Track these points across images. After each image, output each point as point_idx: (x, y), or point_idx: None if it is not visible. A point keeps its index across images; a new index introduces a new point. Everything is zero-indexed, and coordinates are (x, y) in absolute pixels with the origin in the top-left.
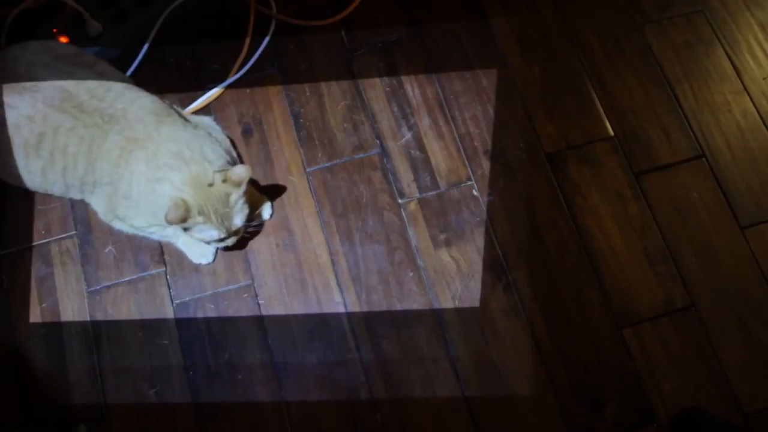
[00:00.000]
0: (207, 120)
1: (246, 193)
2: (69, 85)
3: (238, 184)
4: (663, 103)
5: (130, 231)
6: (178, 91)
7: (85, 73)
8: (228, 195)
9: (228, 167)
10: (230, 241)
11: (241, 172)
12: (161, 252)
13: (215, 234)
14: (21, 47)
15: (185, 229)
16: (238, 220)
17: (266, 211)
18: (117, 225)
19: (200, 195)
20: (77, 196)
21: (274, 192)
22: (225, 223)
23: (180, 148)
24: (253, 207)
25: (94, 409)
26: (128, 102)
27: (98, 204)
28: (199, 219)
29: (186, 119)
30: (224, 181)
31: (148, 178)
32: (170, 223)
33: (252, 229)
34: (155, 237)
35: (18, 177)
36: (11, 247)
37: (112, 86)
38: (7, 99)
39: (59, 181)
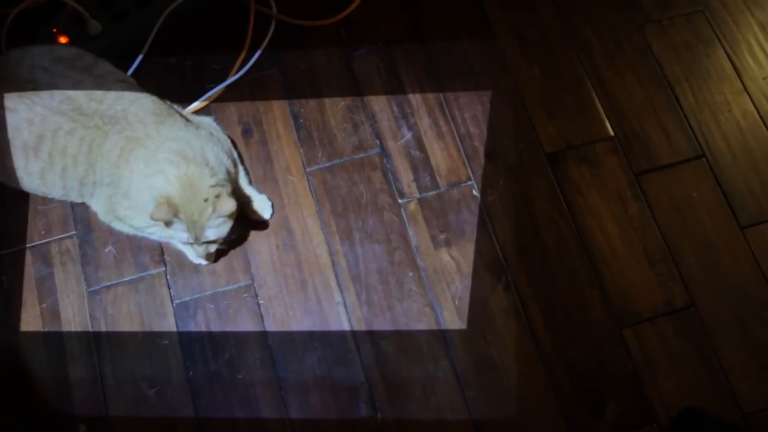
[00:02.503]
0: (208, 120)
1: (231, 216)
2: (67, 88)
3: (218, 213)
4: (663, 103)
5: (130, 231)
6: (179, 91)
7: (84, 76)
8: (205, 208)
9: (226, 184)
10: (200, 251)
11: (227, 206)
12: (161, 252)
13: (185, 237)
14: (23, 50)
15: (166, 224)
16: (211, 234)
17: (267, 211)
18: (117, 226)
19: (186, 196)
20: (76, 199)
21: (273, 192)
22: (195, 231)
23: (182, 147)
24: (239, 218)
25: (94, 409)
26: (128, 103)
27: (98, 205)
28: (181, 217)
29: (188, 119)
30: (216, 196)
31: (146, 174)
32: (154, 220)
33: (223, 247)
34: (155, 237)
35: (17, 179)
36: (11, 248)
37: (111, 88)
38: (7, 102)
39: (58, 183)
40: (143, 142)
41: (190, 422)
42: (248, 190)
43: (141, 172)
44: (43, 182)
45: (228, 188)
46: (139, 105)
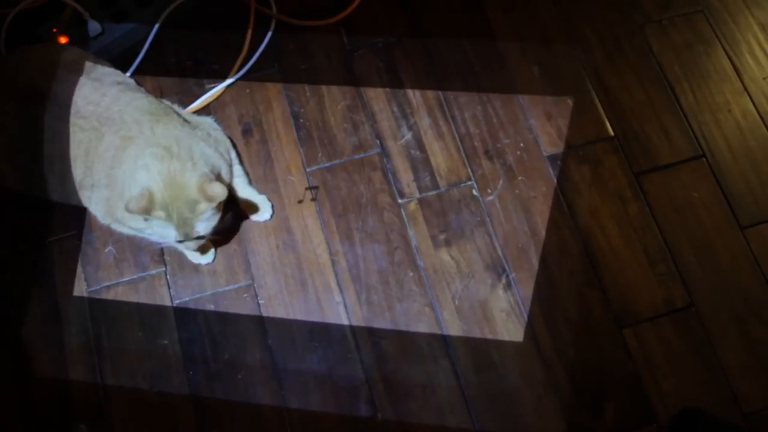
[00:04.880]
0: (208, 120)
1: (219, 207)
2: (64, 93)
3: (210, 199)
4: (663, 103)
5: (130, 233)
6: (179, 91)
7: (83, 79)
8: (197, 203)
9: (209, 175)
10: (191, 246)
11: (217, 190)
12: (161, 252)
13: (172, 234)
14: (21, 53)
15: (145, 220)
16: (201, 229)
17: (267, 212)
18: (117, 227)
19: (170, 192)
20: (76, 203)
21: (273, 192)
22: (185, 228)
23: (169, 143)
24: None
25: (94, 409)
26: (124, 104)
27: (96, 209)
28: (161, 214)
29: (186, 119)
30: (204, 183)
31: (133, 170)
32: (130, 212)
33: (217, 237)
34: (154, 238)
35: (18, 182)
36: (11, 248)
37: (107, 91)
38: (6, 107)
39: (59, 188)
40: (136, 140)
41: (189, 422)
42: (248, 190)
43: (130, 170)
44: (43, 186)
45: (212, 177)
46: (135, 106)
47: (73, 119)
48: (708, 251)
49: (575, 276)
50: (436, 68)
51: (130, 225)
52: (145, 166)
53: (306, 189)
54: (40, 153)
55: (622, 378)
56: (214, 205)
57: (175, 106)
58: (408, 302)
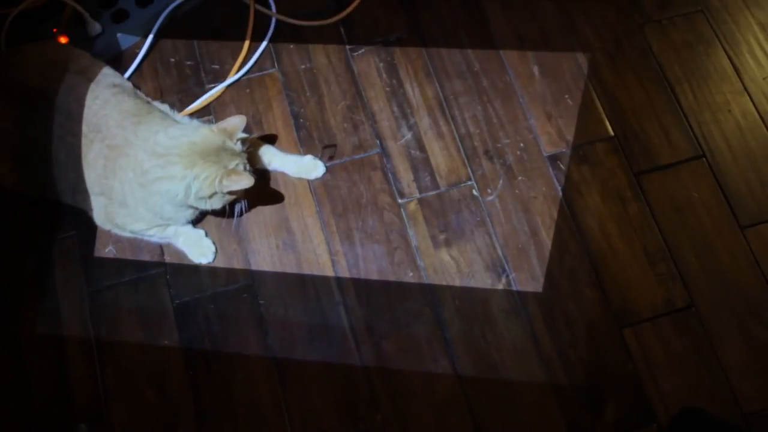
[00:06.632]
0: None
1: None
2: (60, 93)
3: (230, 135)
4: (663, 103)
5: (130, 235)
6: (179, 91)
7: (79, 79)
8: (224, 141)
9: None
10: (222, 200)
11: (235, 122)
12: (161, 252)
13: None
14: (18, 52)
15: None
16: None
17: (319, 168)
18: (116, 231)
19: (211, 156)
20: (74, 204)
21: (273, 191)
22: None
23: (152, 148)
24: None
25: (94, 409)
26: (111, 109)
27: (94, 214)
28: (237, 160)
29: (166, 115)
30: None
31: (141, 183)
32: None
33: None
34: (155, 239)
35: (17, 182)
36: (11, 248)
37: (100, 93)
38: (3, 106)
39: (55, 189)
40: (124, 149)
41: (190, 422)
42: (285, 157)
43: (131, 181)
44: (42, 186)
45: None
46: (120, 110)
47: (65, 122)
48: (708, 251)
49: (575, 276)
50: (436, 68)
51: (131, 229)
52: (165, 178)
53: (324, 148)
54: (40, 153)
55: (622, 378)
56: (238, 137)
57: (155, 103)
58: (408, 302)
